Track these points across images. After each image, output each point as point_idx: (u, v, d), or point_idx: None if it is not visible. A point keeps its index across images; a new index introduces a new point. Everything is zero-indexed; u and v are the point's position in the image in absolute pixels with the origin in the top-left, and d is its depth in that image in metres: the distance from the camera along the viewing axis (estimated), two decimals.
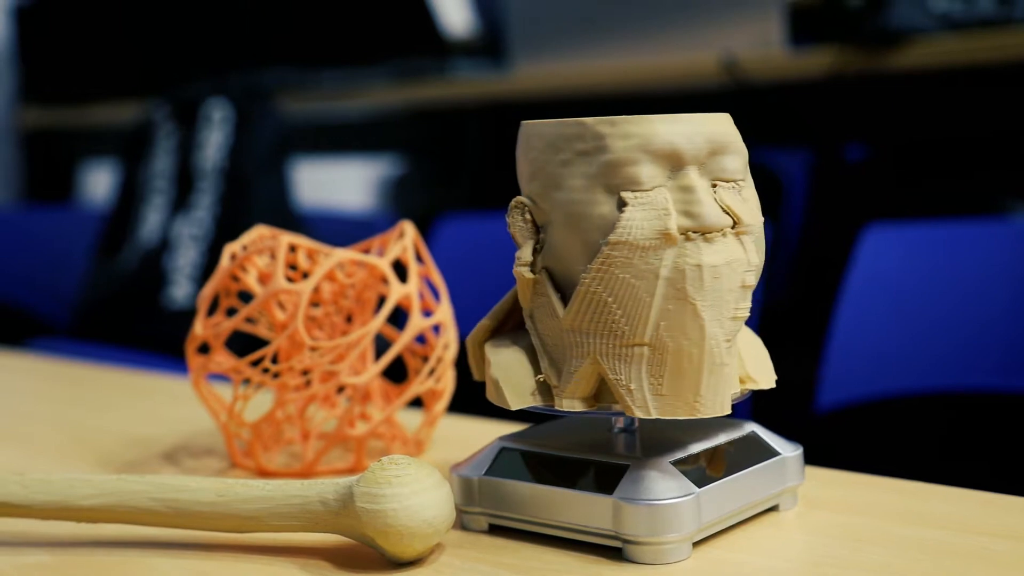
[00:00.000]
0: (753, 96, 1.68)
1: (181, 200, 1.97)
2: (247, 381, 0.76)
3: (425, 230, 1.71)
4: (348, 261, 0.77)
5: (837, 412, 1.29)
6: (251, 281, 0.77)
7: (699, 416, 0.56)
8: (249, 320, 0.82)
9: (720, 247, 0.55)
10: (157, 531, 0.64)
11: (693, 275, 0.54)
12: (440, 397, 0.77)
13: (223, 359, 0.77)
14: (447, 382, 0.77)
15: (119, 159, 2.25)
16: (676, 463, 0.56)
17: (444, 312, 0.77)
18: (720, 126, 0.57)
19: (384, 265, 0.74)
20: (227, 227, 1.91)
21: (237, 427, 0.76)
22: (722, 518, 0.57)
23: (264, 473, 0.75)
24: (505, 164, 2.14)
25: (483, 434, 0.83)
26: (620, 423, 0.62)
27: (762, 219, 0.58)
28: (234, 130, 1.96)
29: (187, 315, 1.90)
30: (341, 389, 0.79)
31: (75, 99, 2.63)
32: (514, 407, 0.59)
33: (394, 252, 0.76)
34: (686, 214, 0.55)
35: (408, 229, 0.77)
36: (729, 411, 0.57)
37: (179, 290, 1.91)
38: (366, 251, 0.79)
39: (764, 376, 0.60)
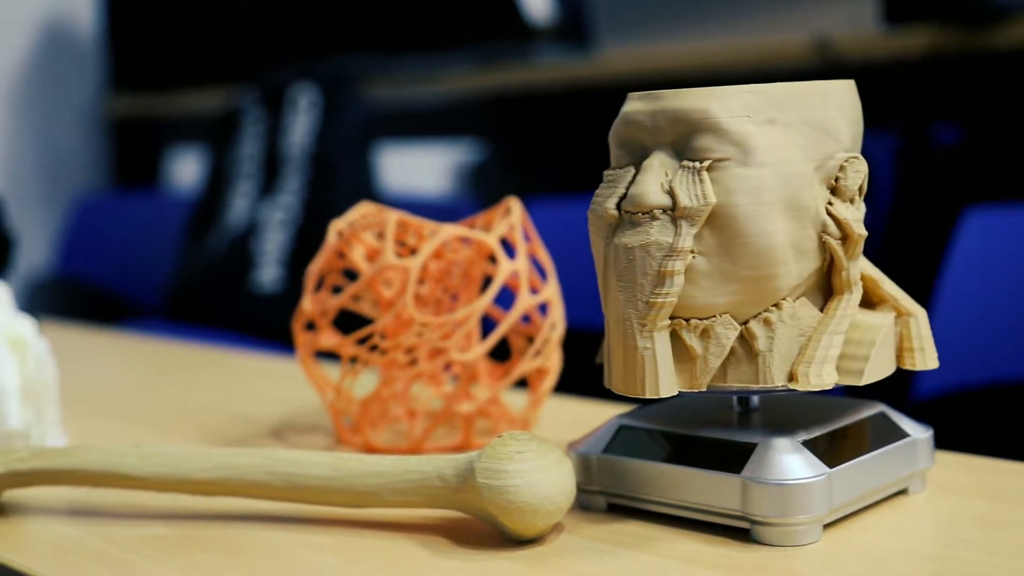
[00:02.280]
0: (846, 77, 1.64)
1: (268, 185, 1.98)
2: (354, 359, 0.75)
3: None
4: (453, 238, 0.76)
5: (937, 399, 1.25)
6: (357, 258, 0.76)
7: (628, 394, 0.55)
8: (353, 297, 0.82)
9: (643, 229, 0.54)
10: (272, 505, 0.64)
11: (614, 255, 0.55)
12: (546, 376, 0.76)
13: (329, 336, 0.76)
14: (554, 361, 0.76)
15: (206, 145, 2.28)
16: (806, 443, 0.55)
17: (551, 290, 0.76)
18: (698, 102, 0.54)
19: (492, 241, 0.73)
20: (314, 211, 1.92)
21: (345, 404, 0.75)
22: (853, 500, 0.55)
23: (371, 450, 0.74)
24: (590, 148, 2.12)
25: (587, 414, 0.82)
26: (742, 402, 0.60)
27: (741, 204, 0.53)
28: (321, 115, 1.97)
29: (274, 298, 1.91)
30: (446, 367, 0.79)
31: (163, 86, 2.67)
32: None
33: (501, 229, 0.75)
34: (628, 194, 0.56)
35: (515, 206, 0.76)
36: (655, 396, 0.54)
37: (266, 274, 1.92)
38: (470, 228, 0.78)
39: (813, 377, 0.54)
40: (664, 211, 0.54)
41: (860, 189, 0.56)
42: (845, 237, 0.55)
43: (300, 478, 0.60)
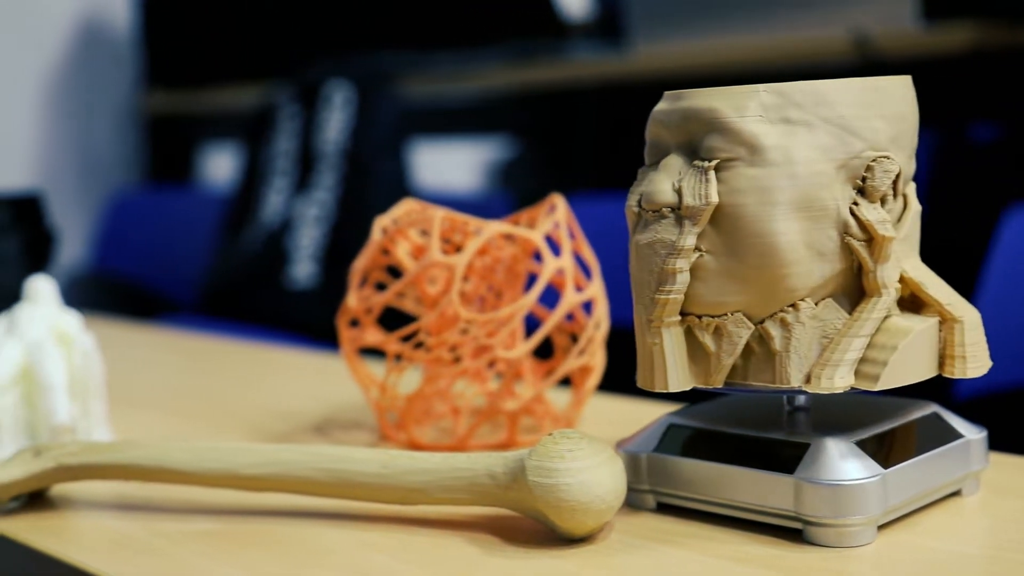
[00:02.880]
0: (884, 74, 1.63)
1: (303, 181, 1.99)
2: (399, 357, 0.75)
3: None
4: (496, 235, 0.76)
5: (979, 399, 1.24)
6: (402, 255, 0.76)
7: (645, 388, 0.56)
8: (396, 294, 0.82)
9: (652, 227, 0.55)
10: (320, 501, 0.64)
11: (631, 252, 0.57)
12: (590, 374, 0.76)
13: (373, 333, 0.77)
14: (598, 360, 0.76)
15: (240, 142, 2.29)
16: (859, 443, 0.54)
17: (596, 288, 0.75)
18: (708, 102, 0.54)
19: (538, 238, 0.73)
20: (348, 208, 1.93)
21: (389, 401, 0.75)
22: (907, 501, 0.55)
23: (416, 446, 0.74)
24: (624, 145, 2.10)
25: (630, 412, 0.82)
26: (791, 401, 0.60)
27: (746, 204, 0.53)
28: (356, 112, 1.98)
29: (308, 294, 1.92)
30: (490, 364, 0.79)
31: (198, 83, 2.69)
32: None
33: (546, 226, 0.75)
34: (642, 192, 0.57)
35: (560, 203, 0.76)
36: (664, 390, 0.55)
37: (301, 269, 1.93)
38: (514, 225, 0.78)
39: (825, 380, 0.53)
40: (672, 210, 0.55)
41: (896, 189, 0.55)
42: (871, 239, 0.54)
43: (349, 474, 0.60)
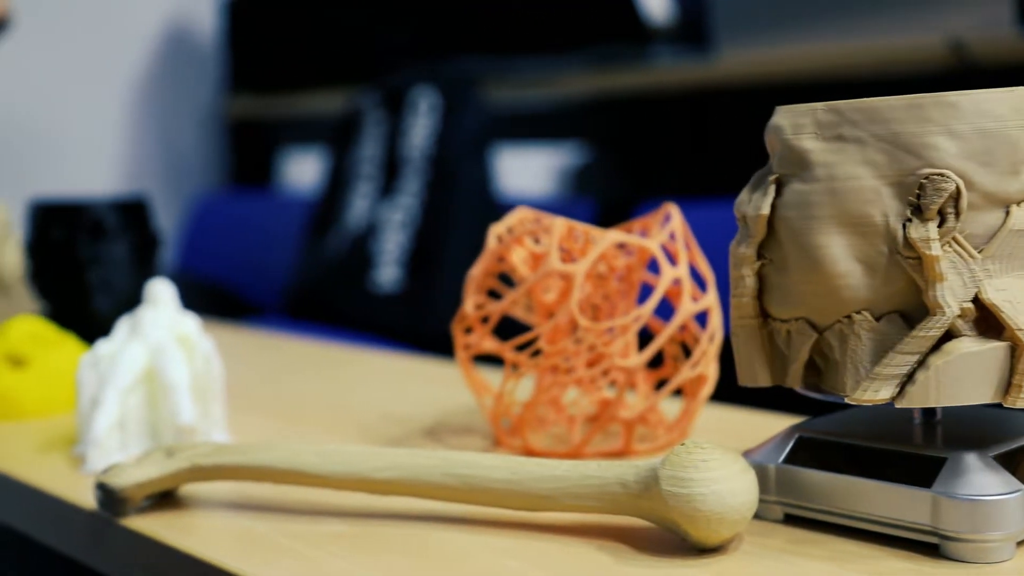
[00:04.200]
0: (983, 82, 1.61)
1: (388, 186, 2.01)
2: (515, 365, 0.76)
3: (617, 218, 1.70)
4: (611, 244, 0.77)
5: None
6: (517, 262, 0.77)
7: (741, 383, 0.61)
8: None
9: (737, 234, 0.60)
10: (444, 506, 0.65)
11: None
12: (704, 384, 0.76)
13: (489, 341, 0.77)
14: (711, 369, 0.76)
15: (325, 146, 2.32)
16: (996, 457, 0.54)
17: (711, 299, 0.76)
18: (776, 120, 0.57)
19: (655, 248, 0.74)
20: (432, 213, 1.95)
21: (504, 408, 0.76)
22: None
23: (531, 453, 0.75)
24: (709, 151, 2.09)
25: (742, 422, 0.82)
26: (918, 414, 0.59)
27: (791, 217, 0.56)
28: (441, 118, 2.00)
29: (392, 298, 1.94)
30: (604, 373, 0.79)
31: (282, 88, 2.73)
32: None
33: (661, 235, 0.75)
34: None
35: (675, 213, 0.77)
36: (742, 384, 0.60)
37: (385, 274, 1.95)
38: (627, 233, 0.79)
39: (861, 391, 0.54)
40: (744, 220, 0.59)
41: (957, 207, 0.53)
42: (920, 256, 0.53)
43: (478, 480, 0.61)
